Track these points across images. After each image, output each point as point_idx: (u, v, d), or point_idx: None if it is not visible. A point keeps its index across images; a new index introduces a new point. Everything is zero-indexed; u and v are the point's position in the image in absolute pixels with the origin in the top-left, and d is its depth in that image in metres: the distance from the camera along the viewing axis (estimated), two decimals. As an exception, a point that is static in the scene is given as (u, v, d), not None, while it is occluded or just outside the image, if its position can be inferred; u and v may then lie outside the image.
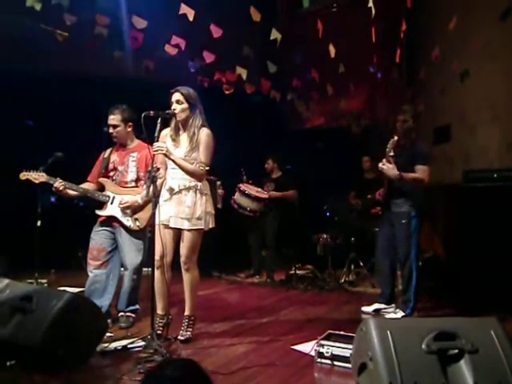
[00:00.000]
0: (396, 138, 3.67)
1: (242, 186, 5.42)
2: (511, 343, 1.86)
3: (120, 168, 3.68)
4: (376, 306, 4.05)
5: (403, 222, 3.78)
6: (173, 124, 3.26)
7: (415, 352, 1.83)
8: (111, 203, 3.59)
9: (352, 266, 5.62)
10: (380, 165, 3.72)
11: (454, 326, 1.92)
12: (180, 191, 3.18)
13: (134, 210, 3.58)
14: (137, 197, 3.57)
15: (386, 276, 4.03)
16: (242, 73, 4.96)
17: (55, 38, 4.64)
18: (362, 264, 5.59)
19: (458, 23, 4.54)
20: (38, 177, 3.51)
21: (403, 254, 3.81)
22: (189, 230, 3.16)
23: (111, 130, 3.65)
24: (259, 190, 5.59)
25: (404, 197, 3.81)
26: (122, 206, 3.54)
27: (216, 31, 4.49)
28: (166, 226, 3.19)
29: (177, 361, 2.24)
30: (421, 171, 3.73)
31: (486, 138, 5.14)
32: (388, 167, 3.67)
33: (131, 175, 3.66)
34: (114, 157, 3.72)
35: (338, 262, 5.60)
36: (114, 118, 3.63)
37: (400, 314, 3.84)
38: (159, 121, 3.04)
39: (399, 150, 3.77)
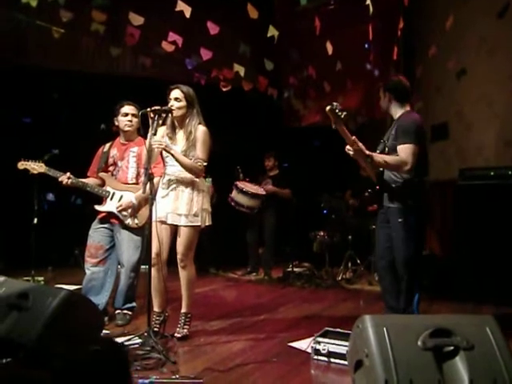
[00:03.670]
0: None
1: (239, 184, 5.41)
2: (506, 340, 1.87)
3: (120, 163, 3.65)
4: None
5: (399, 220, 3.04)
6: (169, 121, 3.25)
7: (411, 349, 1.83)
8: (111, 199, 3.57)
9: (349, 264, 5.64)
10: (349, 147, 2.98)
11: (449, 322, 1.92)
12: (177, 188, 3.18)
13: (133, 209, 3.53)
14: (131, 197, 3.54)
15: (389, 283, 3.20)
16: (240, 70, 4.95)
17: (51, 35, 4.65)
18: (359, 261, 5.62)
19: (454, 20, 4.54)
20: (37, 167, 3.48)
21: (401, 260, 3.05)
22: (185, 227, 3.16)
23: (130, 118, 3.61)
24: (256, 187, 5.59)
25: (393, 189, 3.10)
26: (117, 209, 3.52)
27: (213, 28, 4.48)
28: (163, 223, 3.19)
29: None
30: (401, 152, 2.98)
31: (483, 135, 5.14)
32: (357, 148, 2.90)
33: (131, 171, 3.62)
34: (114, 151, 3.68)
35: (335, 259, 5.63)
36: (134, 109, 3.64)
37: None
38: (157, 117, 3.02)
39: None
